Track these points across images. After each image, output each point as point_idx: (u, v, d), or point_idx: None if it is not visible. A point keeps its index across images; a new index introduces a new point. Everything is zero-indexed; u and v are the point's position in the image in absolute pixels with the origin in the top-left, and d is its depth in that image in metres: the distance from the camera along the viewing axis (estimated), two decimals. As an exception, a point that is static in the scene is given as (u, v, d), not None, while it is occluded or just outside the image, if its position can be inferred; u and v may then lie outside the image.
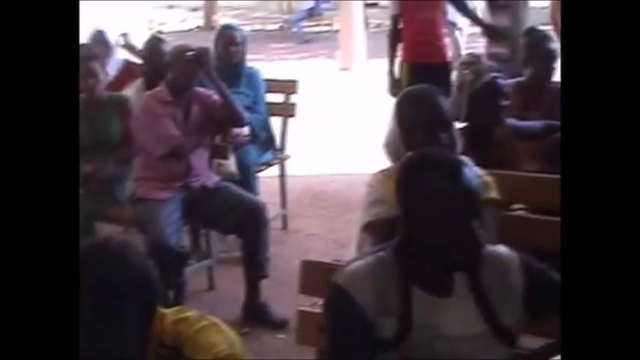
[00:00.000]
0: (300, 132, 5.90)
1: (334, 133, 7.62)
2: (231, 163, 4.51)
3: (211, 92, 4.14)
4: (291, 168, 5.40)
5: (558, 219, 2.86)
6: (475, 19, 5.75)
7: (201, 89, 4.16)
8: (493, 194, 2.64)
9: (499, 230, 2.59)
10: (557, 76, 4.16)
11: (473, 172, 1.98)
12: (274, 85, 5.25)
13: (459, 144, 2.70)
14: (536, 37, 4.16)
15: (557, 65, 4.14)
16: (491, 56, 5.18)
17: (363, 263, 1.94)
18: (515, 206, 3.20)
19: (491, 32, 5.47)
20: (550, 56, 4.05)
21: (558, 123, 3.56)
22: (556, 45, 4.20)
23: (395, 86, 5.44)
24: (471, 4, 5.99)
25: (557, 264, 2.01)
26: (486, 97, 3.44)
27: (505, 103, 3.46)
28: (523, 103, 3.94)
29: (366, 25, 12.35)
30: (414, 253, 1.90)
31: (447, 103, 2.78)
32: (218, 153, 4.44)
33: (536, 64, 4.05)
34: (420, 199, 1.85)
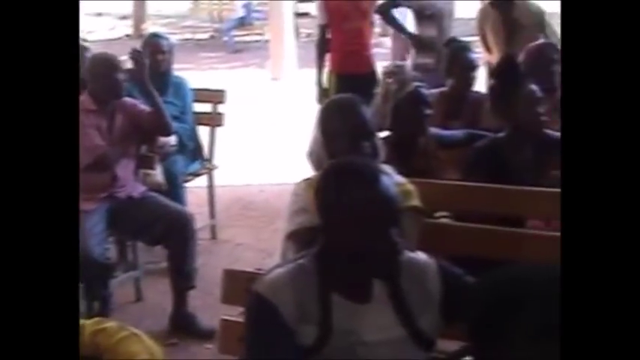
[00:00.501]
0: (229, 142, 5.88)
1: (263, 142, 7.62)
2: (157, 173, 4.46)
3: (136, 101, 4.10)
4: (219, 178, 5.38)
5: (480, 226, 2.97)
6: (402, 30, 5.84)
7: (126, 98, 4.12)
8: (414, 202, 2.68)
9: (421, 238, 2.63)
10: (477, 86, 4.26)
11: (392, 180, 2.01)
12: (202, 95, 5.22)
13: (382, 153, 2.72)
14: (456, 48, 4.25)
15: (477, 75, 4.24)
16: (417, 66, 5.27)
17: (283, 271, 1.95)
18: (439, 214, 3.26)
19: (417, 43, 5.56)
20: (469, 66, 4.15)
21: (479, 132, 3.66)
22: (475, 55, 4.30)
23: (323, 96, 5.45)
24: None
25: (477, 270, 2.06)
26: (410, 107, 3.49)
27: (428, 112, 3.52)
28: (445, 113, 4.02)
29: (297, 34, 12.38)
30: (333, 261, 1.91)
31: (369, 112, 2.81)
32: (144, 163, 4.40)
33: (457, 74, 4.14)
34: (338, 207, 1.86)
